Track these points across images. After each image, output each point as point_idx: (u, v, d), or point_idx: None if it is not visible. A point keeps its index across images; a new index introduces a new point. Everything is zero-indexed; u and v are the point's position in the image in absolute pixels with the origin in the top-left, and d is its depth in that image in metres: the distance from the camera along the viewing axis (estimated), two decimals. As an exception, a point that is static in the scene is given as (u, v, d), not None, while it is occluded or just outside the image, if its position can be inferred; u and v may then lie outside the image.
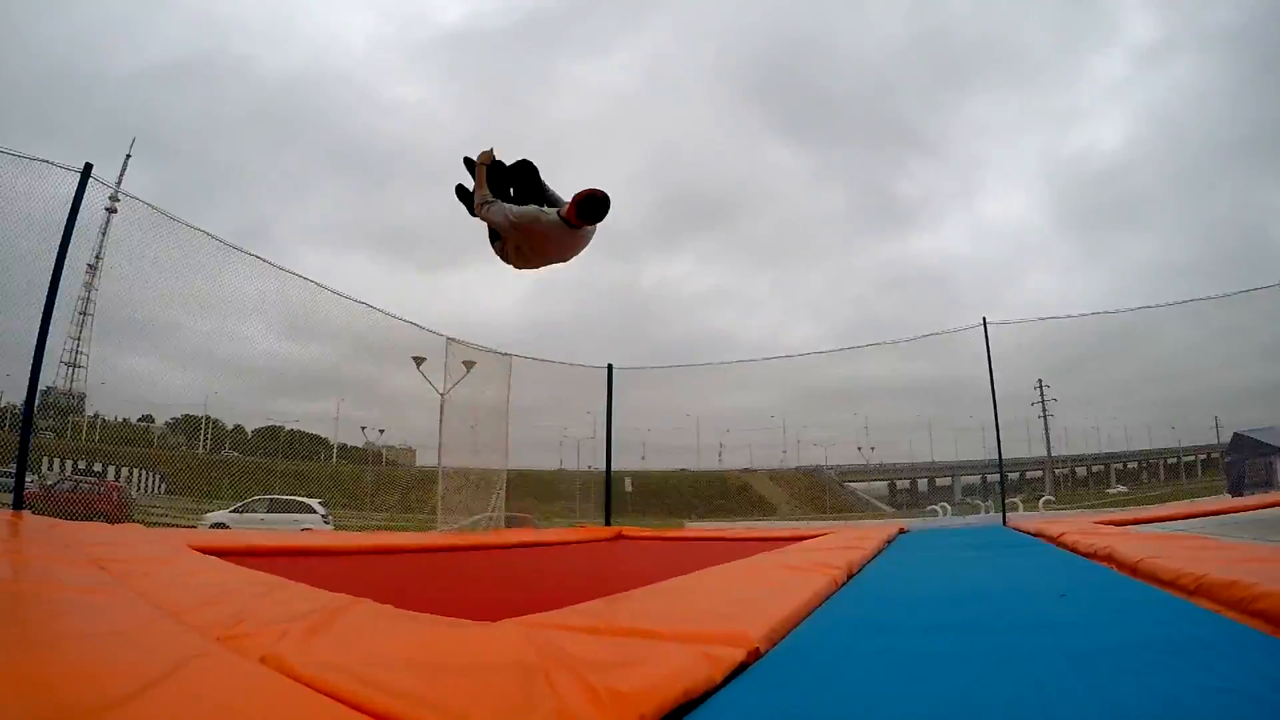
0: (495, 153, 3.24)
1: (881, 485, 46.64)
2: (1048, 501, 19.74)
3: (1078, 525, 5.79)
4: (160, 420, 31.41)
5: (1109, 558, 3.02)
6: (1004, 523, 8.45)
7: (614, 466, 10.84)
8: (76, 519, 7.81)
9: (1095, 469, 45.87)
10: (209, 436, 27.89)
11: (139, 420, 29.50)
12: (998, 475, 9.71)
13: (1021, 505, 16.89)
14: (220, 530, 10.53)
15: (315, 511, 14.48)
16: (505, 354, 9.92)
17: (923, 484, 45.77)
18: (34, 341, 5.07)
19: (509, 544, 6.42)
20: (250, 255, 7.30)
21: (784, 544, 5.25)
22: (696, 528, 11.81)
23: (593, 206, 2.95)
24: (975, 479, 36.93)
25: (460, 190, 3.34)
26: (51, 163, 5.41)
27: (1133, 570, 2.53)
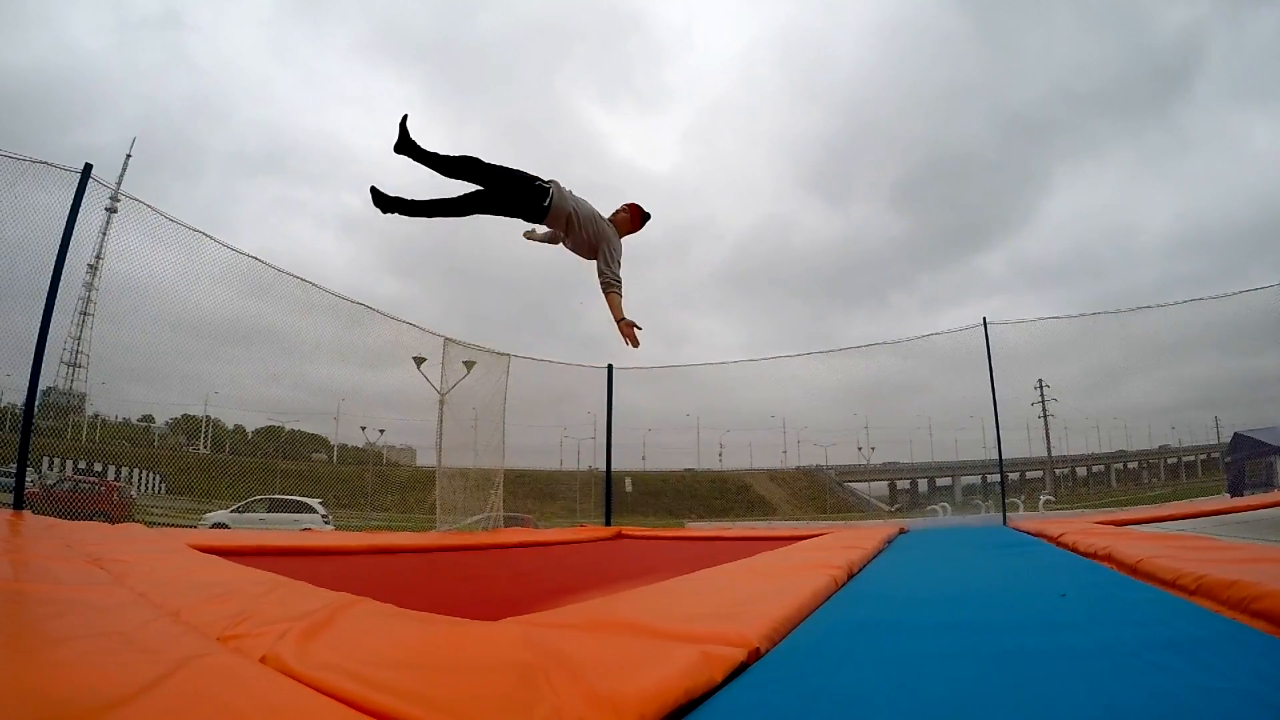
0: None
1: (881, 485, 46.61)
2: (1048, 502, 19.74)
3: (1078, 525, 5.78)
4: (160, 420, 31.45)
5: (1109, 558, 3.01)
6: (1004, 522, 8.45)
7: (614, 467, 10.84)
8: (77, 519, 7.81)
9: (1095, 469, 45.86)
10: (209, 437, 27.95)
11: (139, 420, 29.54)
12: (998, 475, 9.72)
13: (1022, 505, 16.90)
14: (220, 530, 10.54)
15: (315, 511, 14.48)
16: (504, 354, 9.93)
17: (923, 484, 45.74)
18: (34, 341, 5.08)
19: (509, 543, 6.42)
20: (248, 256, 7.31)
21: (784, 544, 5.25)
22: (696, 528, 11.82)
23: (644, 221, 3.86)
24: (975, 479, 36.90)
25: (375, 193, 3.43)
26: (51, 164, 5.42)
27: (1133, 570, 2.53)
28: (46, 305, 5.13)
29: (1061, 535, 4.43)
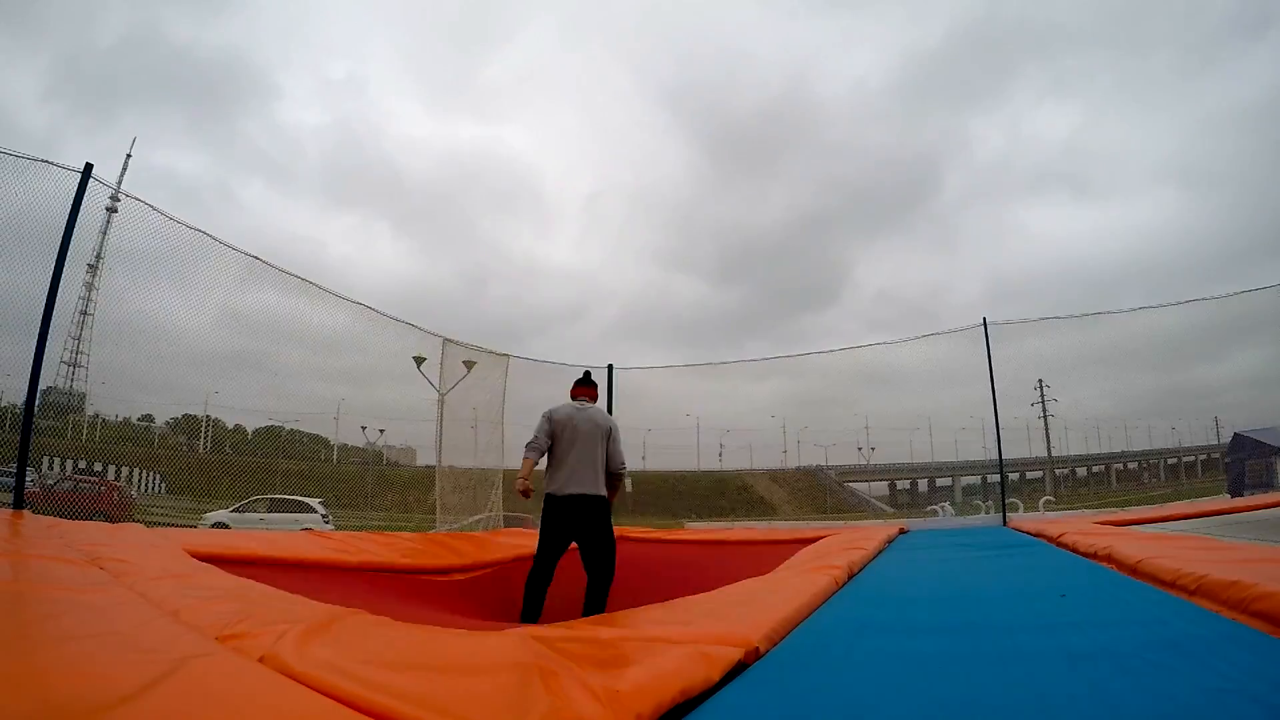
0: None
1: (882, 485, 46.60)
2: (1048, 502, 19.72)
3: (1078, 525, 5.78)
4: (160, 420, 31.44)
5: (1109, 558, 3.01)
6: (1004, 523, 8.44)
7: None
8: (77, 518, 7.80)
9: (1095, 469, 45.86)
10: (209, 436, 27.95)
11: (139, 420, 29.50)
12: (998, 476, 9.71)
13: (1022, 505, 16.89)
14: (220, 530, 10.54)
15: (315, 511, 14.48)
16: (503, 354, 9.93)
17: (923, 484, 45.76)
18: (34, 341, 5.07)
19: (508, 559, 6.40)
20: (248, 255, 7.30)
21: (784, 545, 5.24)
22: (696, 528, 11.82)
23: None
24: (975, 479, 36.93)
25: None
26: (52, 163, 5.41)
27: (1133, 570, 2.53)
28: (46, 305, 5.12)
29: (1062, 535, 4.43)
